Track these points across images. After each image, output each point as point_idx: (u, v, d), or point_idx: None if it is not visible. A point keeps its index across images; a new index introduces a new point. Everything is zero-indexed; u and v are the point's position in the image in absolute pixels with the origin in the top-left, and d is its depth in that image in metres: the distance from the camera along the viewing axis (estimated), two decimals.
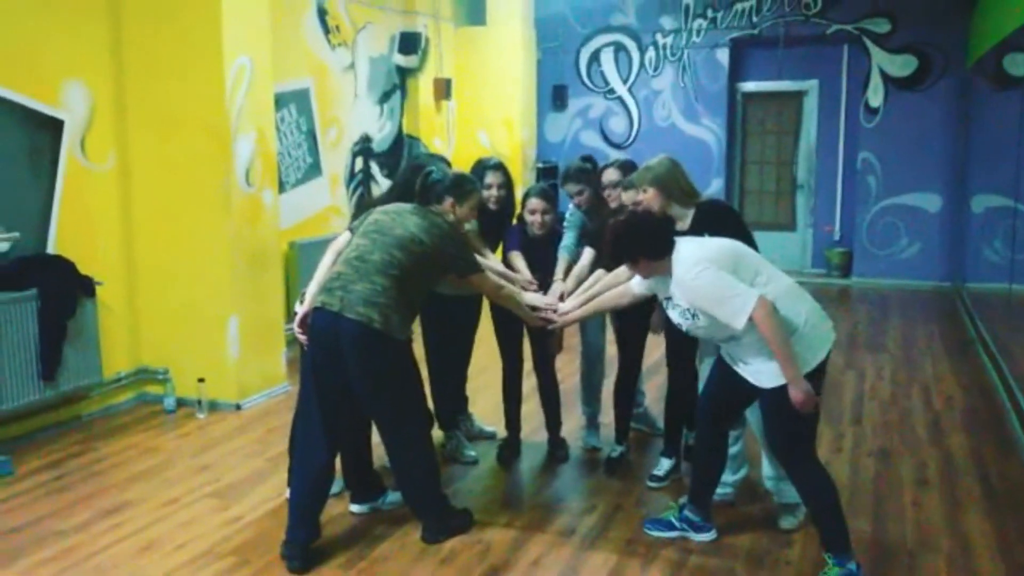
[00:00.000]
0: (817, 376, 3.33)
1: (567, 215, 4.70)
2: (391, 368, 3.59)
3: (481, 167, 4.61)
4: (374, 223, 3.70)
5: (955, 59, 9.55)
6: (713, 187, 10.48)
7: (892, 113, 9.91)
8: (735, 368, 3.46)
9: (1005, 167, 7.45)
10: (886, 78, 9.91)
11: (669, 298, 3.48)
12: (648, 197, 3.90)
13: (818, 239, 10.70)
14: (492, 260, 4.39)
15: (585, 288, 4.17)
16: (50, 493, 4.33)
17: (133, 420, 5.45)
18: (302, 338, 3.74)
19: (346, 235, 3.80)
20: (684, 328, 3.49)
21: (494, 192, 4.52)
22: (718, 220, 3.84)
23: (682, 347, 4.17)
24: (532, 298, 4.19)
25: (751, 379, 3.39)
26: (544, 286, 4.40)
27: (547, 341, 4.59)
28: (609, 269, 4.04)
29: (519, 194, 4.87)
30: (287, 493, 4.15)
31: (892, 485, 4.39)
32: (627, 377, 4.65)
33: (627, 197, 4.17)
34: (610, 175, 4.52)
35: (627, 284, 3.78)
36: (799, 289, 3.44)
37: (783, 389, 3.26)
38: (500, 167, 4.63)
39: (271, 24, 5.86)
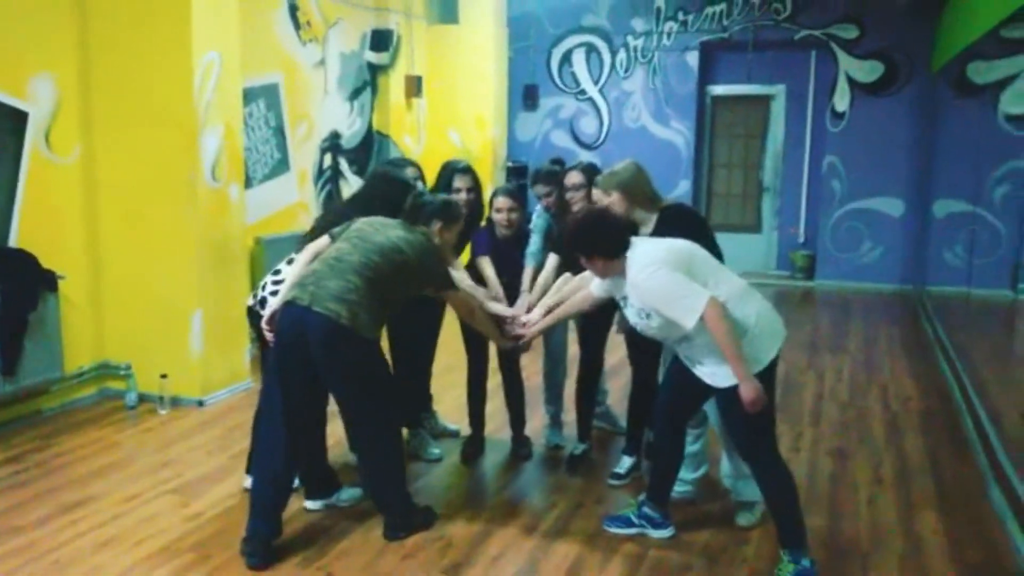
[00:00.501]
0: (769, 373, 3.40)
1: (534, 217, 4.73)
2: (357, 365, 3.60)
3: (449, 170, 4.63)
4: (357, 230, 3.73)
5: (921, 66, 9.70)
6: (681, 189, 10.57)
7: (858, 118, 10.04)
8: (691, 368, 3.51)
9: (966, 173, 7.59)
10: (853, 83, 10.04)
11: (625, 298, 3.54)
12: (612, 201, 3.95)
13: (783, 242, 10.83)
14: (462, 274, 4.40)
15: (550, 295, 4.20)
16: (9, 488, 4.29)
17: (94, 415, 5.41)
18: (269, 336, 3.74)
19: (325, 239, 3.81)
20: (638, 328, 3.55)
21: (463, 196, 4.53)
22: (681, 224, 3.89)
23: (644, 346, 4.22)
24: (497, 308, 4.24)
25: (706, 379, 3.45)
26: (510, 288, 4.43)
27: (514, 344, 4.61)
28: (574, 273, 4.08)
29: (487, 195, 4.88)
30: (247, 482, 4.18)
31: (848, 484, 4.47)
32: (589, 376, 4.70)
33: (596, 195, 4.20)
34: (573, 178, 4.54)
35: (588, 289, 3.82)
36: (750, 290, 3.50)
37: (737, 388, 3.31)
38: (468, 170, 4.65)
39: (241, 19, 5.84)
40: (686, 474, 4.10)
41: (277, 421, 3.62)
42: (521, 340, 4.20)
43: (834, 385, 6.25)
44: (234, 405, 5.61)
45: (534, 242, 4.61)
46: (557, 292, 4.18)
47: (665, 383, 3.80)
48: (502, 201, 4.55)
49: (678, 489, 4.06)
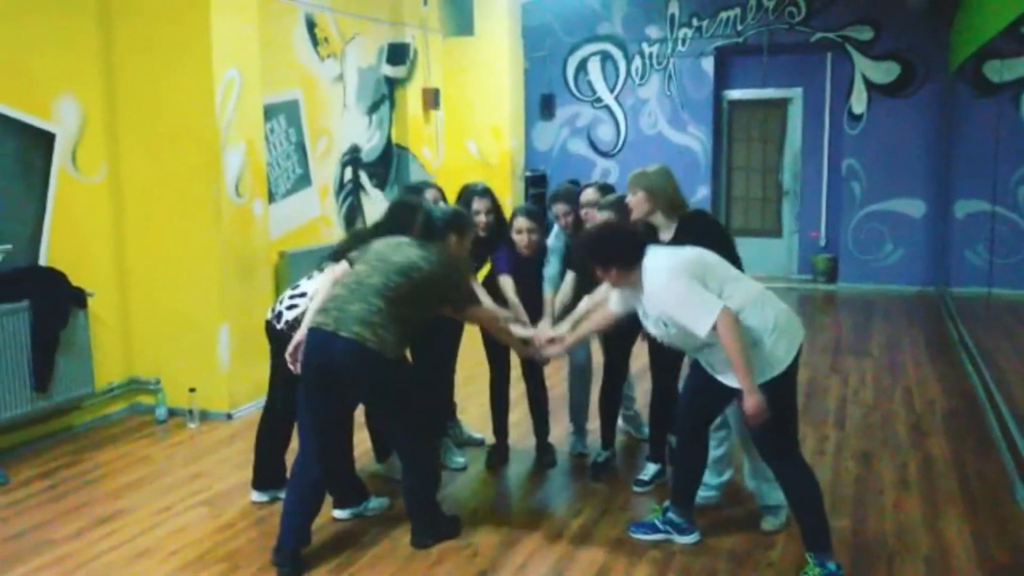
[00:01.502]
0: (790, 376, 3.43)
1: (551, 238, 4.76)
2: (388, 383, 3.65)
3: (468, 193, 4.68)
4: (376, 252, 3.77)
5: (937, 66, 9.68)
6: (700, 194, 10.59)
7: (875, 120, 10.03)
8: (714, 376, 3.54)
9: (986, 172, 7.56)
10: (869, 85, 10.03)
11: (644, 310, 3.57)
12: (636, 200, 3.99)
13: (804, 245, 10.81)
14: (485, 298, 4.44)
15: (572, 320, 4.24)
16: (44, 502, 4.38)
17: (125, 430, 5.50)
18: (295, 367, 3.79)
19: (344, 265, 3.86)
20: (659, 337, 3.59)
21: (482, 218, 4.59)
22: (701, 231, 3.92)
23: (665, 353, 4.24)
24: (520, 332, 4.28)
25: (728, 383, 3.48)
26: (531, 306, 4.48)
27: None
28: (591, 291, 4.13)
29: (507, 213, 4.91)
30: (254, 495, 4.33)
31: (873, 486, 4.47)
32: (612, 384, 4.73)
33: (601, 217, 4.25)
34: (588, 195, 4.61)
35: (608, 308, 3.85)
36: (768, 294, 3.53)
37: (759, 391, 3.34)
38: (487, 193, 4.70)
39: (260, 36, 5.94)
40: (710, 479, 4.12)
41: (309, 440, 3.69)
42: (547, 356, 4.24)
43: (858, 388, 6.25)
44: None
45: (552, 264, 4.64)
46: (581, 312, 4.22)
47: (686, 388, 3.83)
48: (522, 222, 4.58)
49: (703, 494, 4.08)
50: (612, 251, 3.54)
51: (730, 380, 3.45)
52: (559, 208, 4.69)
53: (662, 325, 3.48)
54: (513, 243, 4.62)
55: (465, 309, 3.96)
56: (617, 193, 4.43)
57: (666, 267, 3.42)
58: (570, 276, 4.50)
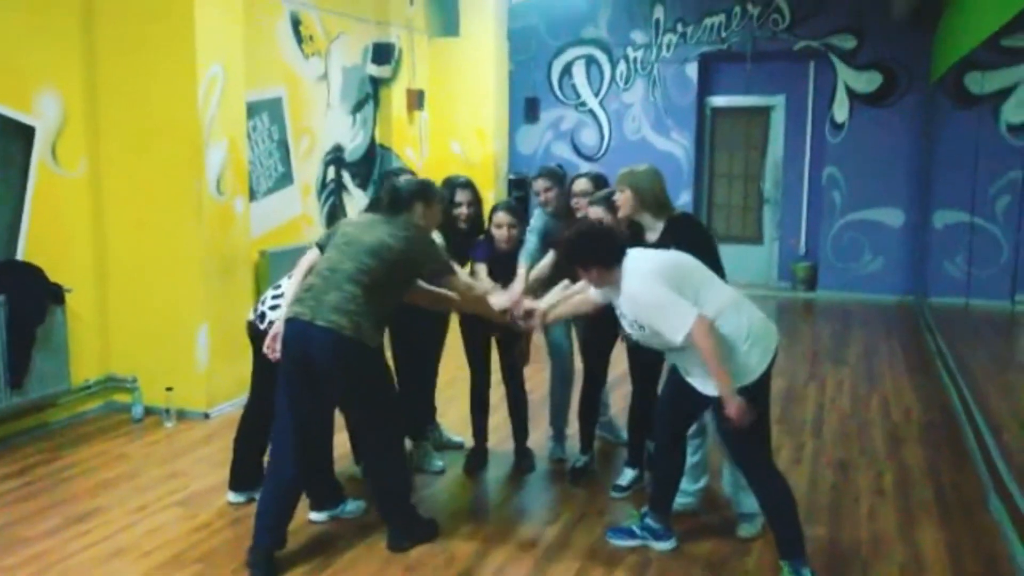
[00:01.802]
0: (763, 384, 3.47)
1: (532, 219, 4.77)
2: (364, 373, 3.64)
3: (450, 185, 4.67)
4: (343, 235, 3.75)
5: (919, 76, 9.76)
6: (682, 200, 10.61)
7: (857, 129, 10.10)
8: (685, 378, 3.56)
9: (965, 183, 7.63)
10: (851, 94, 10.10)
11: (620, 309, 3.60)
12: (623, 198, 4.02)
13: (784, 253, 10.87)
14: (460, 272, 4.44)
15: (552, 295, 4.25)
16: (17, 500, 4.33)
17: (101, 428, 5.45)
18: (274, 356, 3.77)
19: (315, 251, 3.85)
20: (634, 338, 3.63)
21: (464, 210, 4.59)
22: (687, 234, 3.95)
23: (645, 358, 4.26)
24: (497, 300, 4.23)
25: (699, 388, 3.51)
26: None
27: (514, 352, 4.67)
28: (571, 277, 4.13)
29: (487, 209, 4.92)
30: (231, 495, 4.31)
31: (849, 495, 4.50)
32: (591, 388, 4.73)
33: (593, 213, 4.25)
34: (581, 184, 4.63)
35: (589, 292, 3.87)
36: (743, 300, 3.56)
37: (738, 394, 3.36)
38: (469, 185, 4.70)
39: (244, 33, 5.90)
40: (687, 486, 4.13)
41: (286, 434, 3.66)
42: (520, 318, 4.18)
43: (835, 396, 6.29)
44: (239, 417, 5.62)
45: (530, 242, 4.63)
46: (557, 295, 4.23)
47: (663, 395, 3.85)
48: (502, 216, 4.57)
49: (680, 501, 4.09)
50: (592, 252, 3.57)
51: (702, 384, 3.49)
52: (540, 184, 4.71)
53: (637, 327, 3.51)
54: (492, 237, 4.61)
55: (441, 277, 3.91)
56: (609, 187, 4.40)
57: (643, 271, 3.45)
58: (550, 255, 4.49)
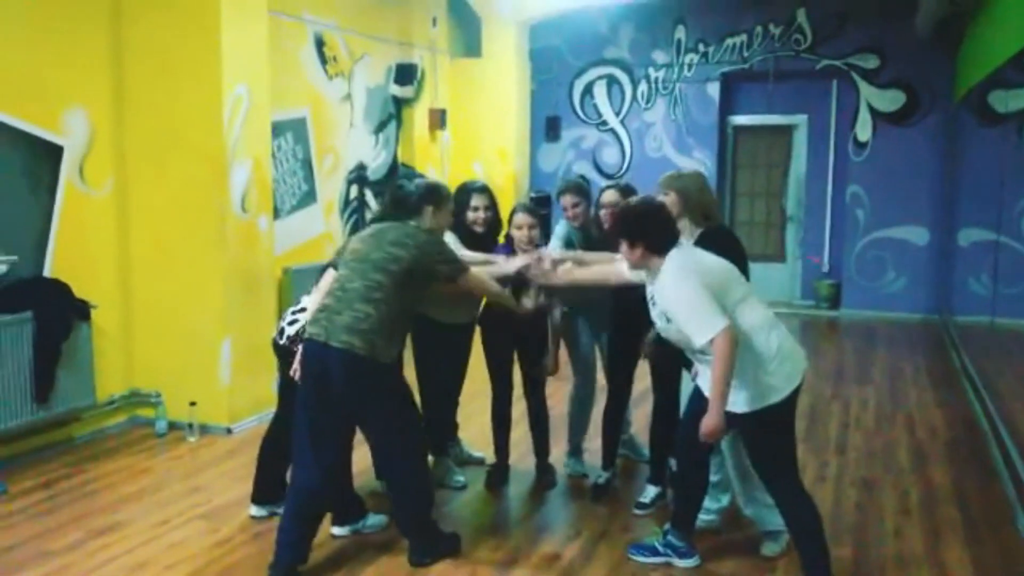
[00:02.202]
0: (789, 404, 3.42)
1: (558, 227, 4.78)
2: (379, 391, 3.65)
3: (466, 190, 4.67)
4: (352, 252, 3.75)
5: (942, 95, 9.71)
6: None
7: (880, 147, 10.05)
8: (707, 393, 3.53)
9: (990, 201, 7.57)
10: (874, 113, 10.07)
11: (653, 296, 3.55)
12: (668, 201, 3.91)
13: (807, 271, 10.81)
14: (471, 255, 4.31)
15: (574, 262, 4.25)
16: (41, 513, 4.37)
17: (124, 443, 5.49)
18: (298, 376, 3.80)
19: (331, 272, 3.87)
20: (658, 328, 3.59)
21: (480, 214, 4.58)
22: (723, 246, 3.82)
23: (668, 374, 4.24)
24: (515, 262, 4.23)
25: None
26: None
27: (538, 366, 4.67)
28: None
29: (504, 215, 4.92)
30: (253, 509, 4.32)
31: (874, 514, 4.45)
32: (616, 404, 4.71)
33: (607, 197, 4.39)
34: (610, 196, 4.61)
35: (619, 265, 3.81)
36: (776, 321, 3.52)
37: (755, 416, 3.35)
38: (485, 189, 4.70)
39: (269, 54, 5.97)
40: (710, 504, 4.10)
41: (306, 451, 3.67)
42: (544, 269, 4.15)
43: (860, 414, 6.23)
44: (262, 432, 5.55)
45: (553, 247, 4.60)
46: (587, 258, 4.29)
47: (687, 414, 3.79)
48: (521, 218, 4.52)
49: (703, 518, 4.06)
50: (647, 231, 3.47)
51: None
52: (567, 200, 4.68)
53: (665, 320, 3.47)
54: (511, 240, 4.57)
55: (457, 278, 3.83)
56: (639, 196, 4.38)
57: (688, 267, 3.39)
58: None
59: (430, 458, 4.63)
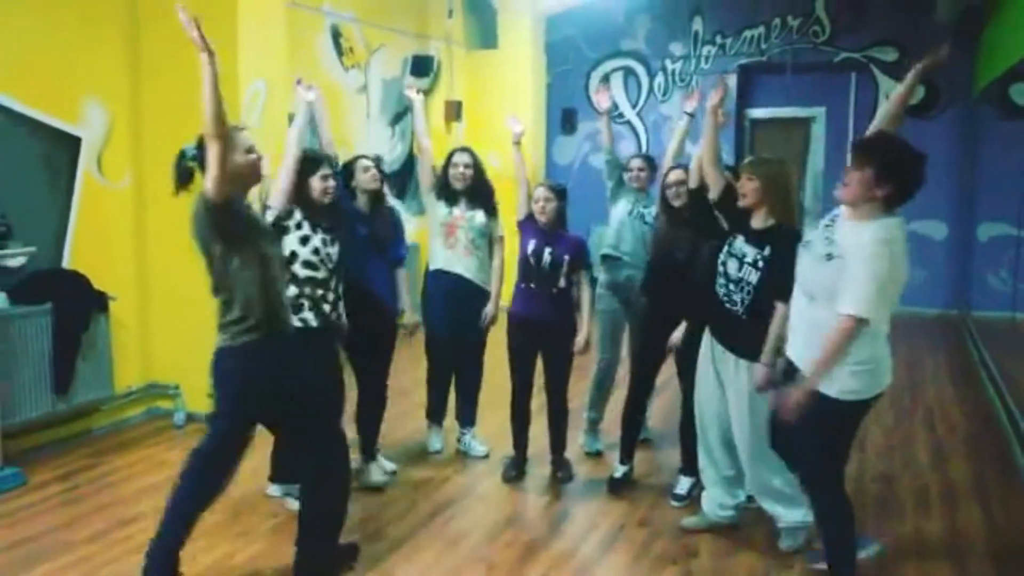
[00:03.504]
0: (858, 409, 3.33)
1: (616, 204, 5.21)
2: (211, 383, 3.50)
3: (450, 152, 5.18)
4: None
5: (962, 88, 9.62)
6: None
7: None
8: (786, 348, 3.38)
9: (1011, 196, 7.51)
10: None
11: (829, 225, 3.32)
12: (750, 187, 3.75)
13: None
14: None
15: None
16: (61, 505, 4.40)
17: (143, 434, 5.52)
18: None
19: None
20: (805, 273, 3.33)
21: (460, 170, 4.98)
22: (789, 248, 3.57)
23: (694, 366, 4.20)
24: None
25: (800, 364, 3.32)
26: (551, 274, 4.59)
27: (561, 361, 4.72)
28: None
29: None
30: (271, 488, 4.42)
31: (894, 510, 4.43)
32: (637, 397, 4.71)
33: (674, 176, 4.58)
34: (677, 175, 4.64)
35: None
36: (886, 337, 3.37)
37: (827, 400, 3.20)
38: (467, 150, 5.16)
39: (286, 49, 5.97)
40: (725, 499, 4.08)
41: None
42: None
43: (879, 410, 6.14)
44: None
45: (615, 217, 5.16)
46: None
47: (797, 431, 3.37)
48: (540, 192, 4.69)
49: (720, 514, 4.06)
50: (909, 179, 3.14)
51: (802, 359, 3.31)
52: (635, 163, 5.22)
53: (824, 259, 3.21)
54: (532, 214, 4.70)
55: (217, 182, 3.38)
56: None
57: (894, 242, 3.11)
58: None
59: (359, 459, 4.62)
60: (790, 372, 3.44)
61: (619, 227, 5.10)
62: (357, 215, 4.57)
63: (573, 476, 4.83)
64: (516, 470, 4.84)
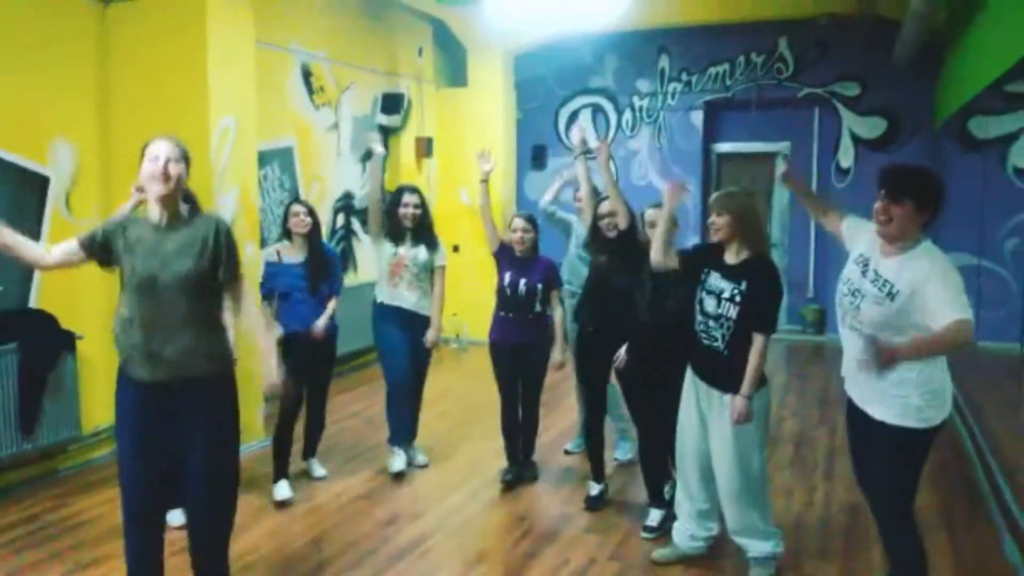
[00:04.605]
0: (928, 437, 3.24)
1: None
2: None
3: (399, 190, 5.44)
4: None
5: (923, 121, 9.79)
6: (690, 244, 10.63)
7: (863, 174, 10.12)
8: (860, 375, 3.35)
9: (971, 227, 7.66)
10: (856, 140, 10.17)
11: (866, 263, 3.37)
12: (720, 222, 3.80)
13: (793, 296, 10.85)
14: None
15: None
16: (26, 547, 4.33)
17: (110, 475, 5.41)
18: None
19: None
20: (857, 312, 3.38)
21: (410, 210, 5.26)
22: (768, 278, 3.75)
23: (646, 396, 4.30)
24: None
25: (875, 413, 3.31)
26: (526, 300, 5.04)
27: (534, 380, 5.14)
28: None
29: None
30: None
31: (861, 538, 4.46)
32: (593, 418, 4.93)
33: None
34: (606, 207, 4.75)
35: (838, 215, 3.79)
36: None
37: (905, 432, 3.18)
38: (415, 190, 5.42)
39: (256, 86, 6.01)
40: (696, 531, 4.10)
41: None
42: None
43: (845, 439, 6.22)
44: (248, 463, 5.60)
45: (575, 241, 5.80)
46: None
47: (870, 473, 3.44)
48: (517, 223, 5.11)
49: (690, 545, 4.07)
50: (936, 195, 3.22)
51: (879, 400, 3.28)
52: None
53: (884, 295, 3.20)
54: (512, 246, 5.10)
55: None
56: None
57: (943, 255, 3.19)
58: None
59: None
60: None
61: (570, 263, 5.68)
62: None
63: (538, 476, 5.30)
64: (511, 475, 5.21)
